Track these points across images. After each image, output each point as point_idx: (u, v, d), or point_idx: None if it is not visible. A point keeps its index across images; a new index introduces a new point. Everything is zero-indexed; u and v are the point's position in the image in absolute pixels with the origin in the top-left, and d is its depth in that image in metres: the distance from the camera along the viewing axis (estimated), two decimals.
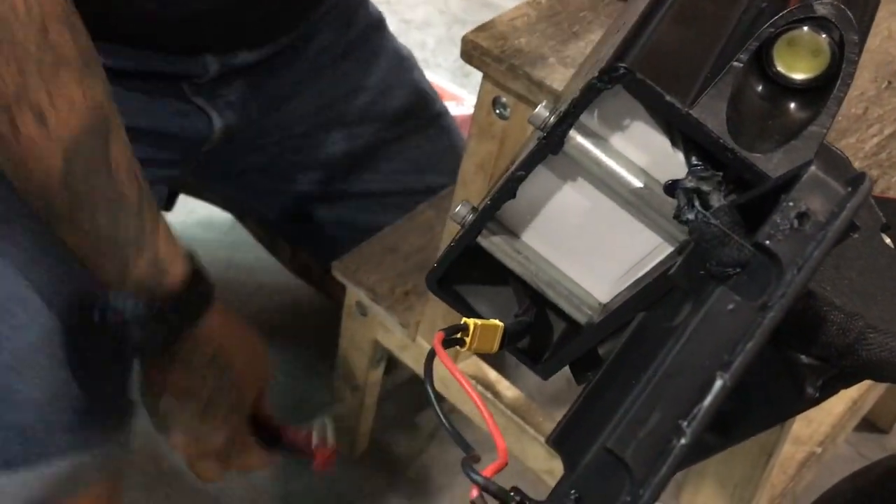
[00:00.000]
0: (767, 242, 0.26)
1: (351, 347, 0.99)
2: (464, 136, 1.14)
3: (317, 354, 1.15)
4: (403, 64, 1.00)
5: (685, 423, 0.24)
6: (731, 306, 0.26)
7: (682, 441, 0.24)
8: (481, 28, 0.65)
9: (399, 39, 1.02)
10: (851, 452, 1.15)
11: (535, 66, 0.63)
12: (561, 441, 0.30)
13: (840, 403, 0.87)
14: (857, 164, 0.58)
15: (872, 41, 0.69)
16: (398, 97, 0.98)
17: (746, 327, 0.25)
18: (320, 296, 1.14)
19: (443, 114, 1.02)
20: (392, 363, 1.01)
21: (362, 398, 1.03)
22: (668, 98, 0.31)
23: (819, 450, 0.84)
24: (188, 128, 0.85)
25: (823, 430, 0.85)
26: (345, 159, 0.97)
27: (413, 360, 0.92)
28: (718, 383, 0.25)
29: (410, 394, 1.14)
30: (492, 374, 0.88)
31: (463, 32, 0.65)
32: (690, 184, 0.32)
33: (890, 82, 0.66)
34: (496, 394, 0.87)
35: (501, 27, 0.65)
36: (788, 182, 0.27)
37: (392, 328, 0.90)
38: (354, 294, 0.92)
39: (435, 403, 0.34)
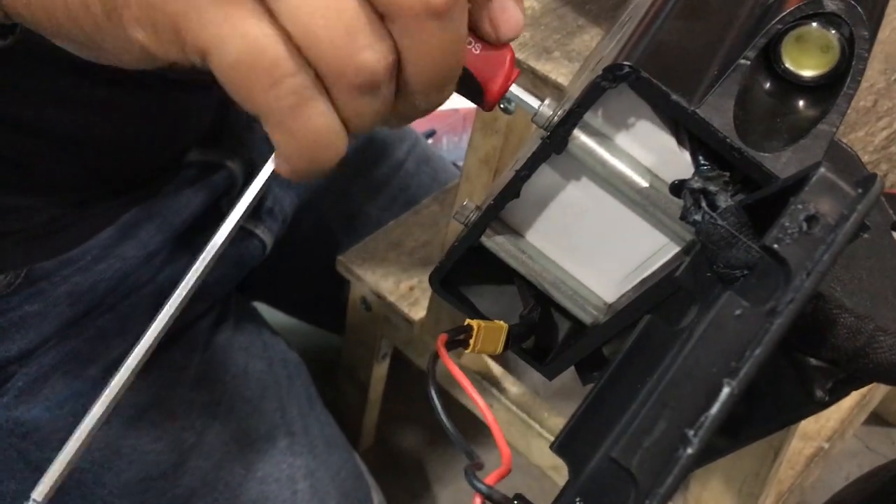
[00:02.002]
0: (776, 246, 0.26)
1: (355, 342, 0.98)
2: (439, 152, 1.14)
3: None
4: None
5: (692, 432, 0.24)
6: (738, 311, 0.25)
7: (689, 450, 0.24)
8: None
9: None
10: (860, 446, 1.14)
11: (540, 60, 0.62)
12: (565, 447, 0.29)
13: (848, 399, 0.86)
14: (865, 158, 0.57)
15: (882, 32, 0.68)
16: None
17: (754, 333, 0.24)
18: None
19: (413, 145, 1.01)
20: (397, 358, 1.01)
21: (367, 393, 1.02)
22: (673, 97, 0.31)
23: (827, 445, 0.83)
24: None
25: (831, 425, 0.84)
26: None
27: (418, 355, 0.92)
28: (726, 391, 0.24)
29: (415, 389, 1.14)
30: (497, 370, 0.87)
31: None
32: (697, 184, 0.31)
33: None
34: (501, 390, 0.86)
35: None
36: (797, 183, 0.26)
37: (397, 323, 0.90)
38: (359, 289, 0.91)
39: (439, 408, 0.34)
